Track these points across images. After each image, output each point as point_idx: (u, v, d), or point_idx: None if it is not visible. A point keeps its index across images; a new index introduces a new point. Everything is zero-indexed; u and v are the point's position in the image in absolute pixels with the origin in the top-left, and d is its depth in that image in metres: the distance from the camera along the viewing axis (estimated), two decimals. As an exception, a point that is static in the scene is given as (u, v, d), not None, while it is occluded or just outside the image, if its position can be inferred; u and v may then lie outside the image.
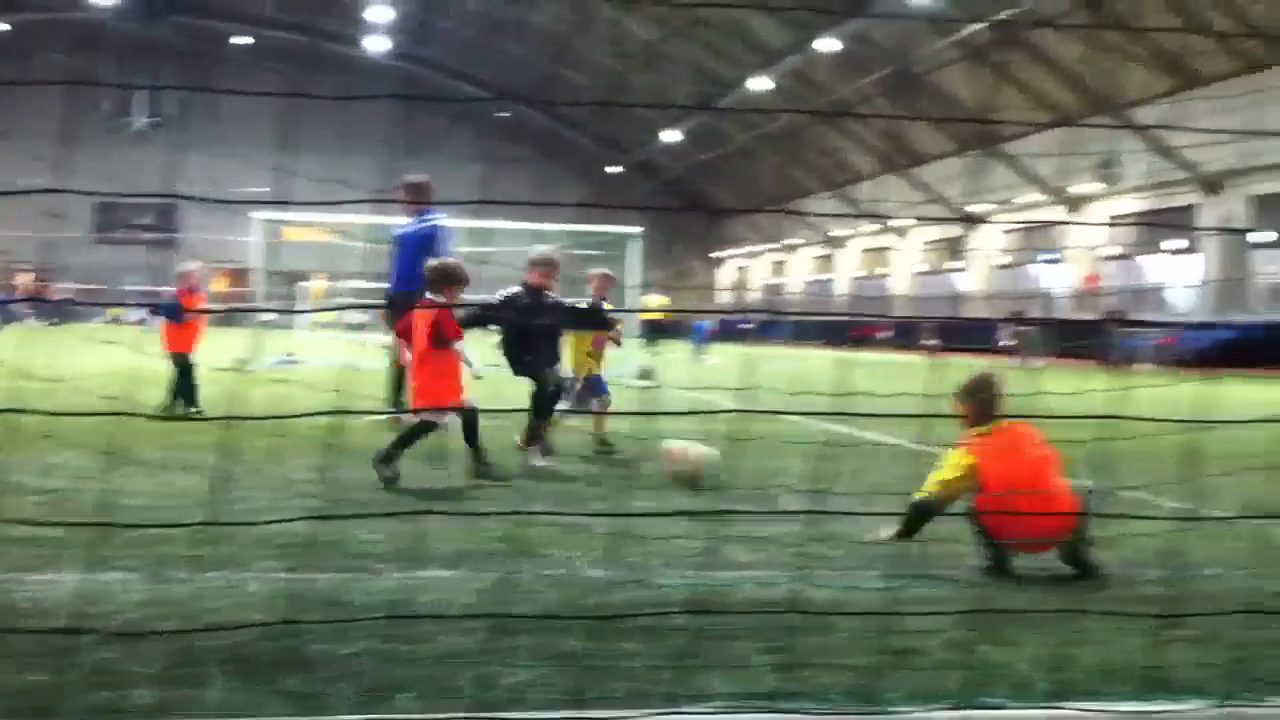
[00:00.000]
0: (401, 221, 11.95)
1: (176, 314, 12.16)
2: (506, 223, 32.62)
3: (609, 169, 75.63)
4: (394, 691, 3.56)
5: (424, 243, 11.74)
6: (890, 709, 3.44)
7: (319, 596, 4.68)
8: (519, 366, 9.07)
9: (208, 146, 60.39)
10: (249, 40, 65.41)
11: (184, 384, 12.04)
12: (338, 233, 41.74)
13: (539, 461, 8.68)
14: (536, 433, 8.85)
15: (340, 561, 5.27)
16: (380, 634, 4.09)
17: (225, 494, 6.84)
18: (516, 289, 9.19)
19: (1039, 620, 4.50)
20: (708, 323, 41.56)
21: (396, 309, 11.80)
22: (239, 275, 51.14)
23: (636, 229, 24.21)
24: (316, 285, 50.88)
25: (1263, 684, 3.84)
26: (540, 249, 9.66)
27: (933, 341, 40.49)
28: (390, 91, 51.03)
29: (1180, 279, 47.66)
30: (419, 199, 11.95)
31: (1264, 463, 8.09)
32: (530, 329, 8.99)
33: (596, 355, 10.32)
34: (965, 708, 3.31)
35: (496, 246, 30.00)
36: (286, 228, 36.11)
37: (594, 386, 10.19)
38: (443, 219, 11.98)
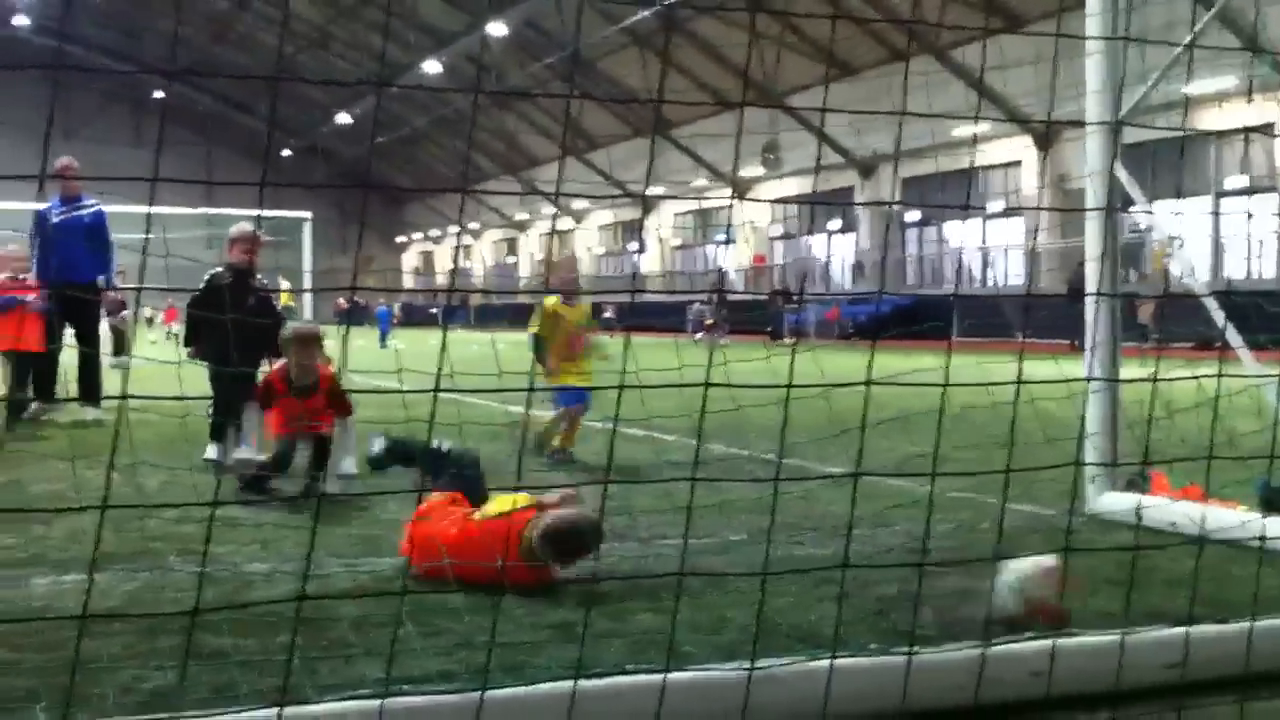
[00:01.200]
0: (42, 206, 11.35)
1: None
2: (173, 209, 31.04)
3: (280, 153, 73.36)
4: (25, 703, 3.34)
5: (93, 228, 11.30)
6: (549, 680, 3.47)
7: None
8: (243, 355, 7.67)
9: None
10: None
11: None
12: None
13: (238, 454, 7.44)
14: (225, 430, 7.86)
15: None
16: (9, 643, 3.84)
17: None
18: (218, 269, 8.25)
19: (695, 587, 4.66)
20: (390, 309, 41.01)
21: (69, 299, 11.08)
22: None
23: (306, 214, 23.60)
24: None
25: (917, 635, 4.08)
26: (239, 225, 8.64)
27: (611, 319, 41.06)
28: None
29: (840, 256, 50.45)
30: (74, 182, 11.49)
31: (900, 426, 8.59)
32: (245, 316, 7.75)
33: (574, 360, 9.08)
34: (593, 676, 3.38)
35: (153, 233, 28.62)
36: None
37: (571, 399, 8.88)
38: (98, 204, 11.49)
